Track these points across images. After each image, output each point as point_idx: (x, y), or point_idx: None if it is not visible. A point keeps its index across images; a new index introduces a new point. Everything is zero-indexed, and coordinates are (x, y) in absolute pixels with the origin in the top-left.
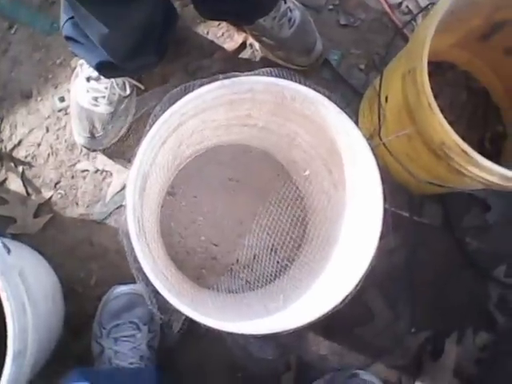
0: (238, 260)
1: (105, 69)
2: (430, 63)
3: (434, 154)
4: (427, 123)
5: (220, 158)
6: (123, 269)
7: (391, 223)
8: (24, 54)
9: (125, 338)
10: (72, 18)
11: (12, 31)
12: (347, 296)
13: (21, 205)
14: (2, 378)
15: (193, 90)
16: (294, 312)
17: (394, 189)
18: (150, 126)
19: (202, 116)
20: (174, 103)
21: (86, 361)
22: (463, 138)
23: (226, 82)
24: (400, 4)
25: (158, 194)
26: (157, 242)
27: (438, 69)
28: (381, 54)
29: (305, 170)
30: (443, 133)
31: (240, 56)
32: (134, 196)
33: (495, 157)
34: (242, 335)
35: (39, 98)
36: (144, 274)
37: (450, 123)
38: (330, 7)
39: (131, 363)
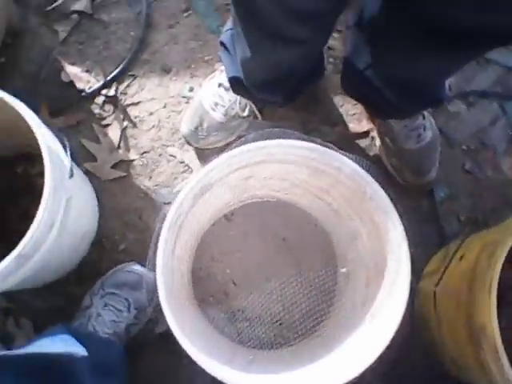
0: (242, 311)
1: (236, 85)
2: None
3: (470, 332)
4: (479, 300)
5: (278, 211)
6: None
7: None
8: (183, 37)
9: (112, 308)
10: (232, 29)
11: (185, 14)
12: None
13: (108, 151)
14: None
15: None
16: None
17: None
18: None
19: (285, 166)
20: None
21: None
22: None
23: (322, 149)
24: None
25: (213, 213)
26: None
27: None
28: (486, 217)
29: (343, 267)
30: (487, 319)
31: (357, 141)
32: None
33: None
34: None
35: (174, 78)
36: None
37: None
38: (464, 148)
39: (105, 333)
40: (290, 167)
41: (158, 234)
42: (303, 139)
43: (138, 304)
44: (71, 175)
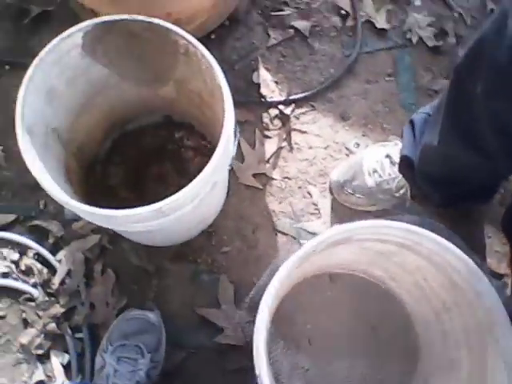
0: (306, 369)
1: (405, 165)
2: None
3: None
4: None
5: (381, 298)
6: (248, 266)
7: None
8: (374, 96)
9: (127, 360)
10: (428, 115)
11: (386, 78)
12: None
13: (257, 159)
14: None
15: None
16: None
17: None
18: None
19: (422, 261)
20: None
21: (157, 275)
22: None
23: (475, 270)
24: None
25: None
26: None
27: None
28: None
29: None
30: None
31: None
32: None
33: None
34: None
35: (346, 128)
36: None
37: None
38: None
39: None
40: (424, 263)
41: (264, 287)
42: (460, 247)
43: (150, 346)
44: (230, 164)
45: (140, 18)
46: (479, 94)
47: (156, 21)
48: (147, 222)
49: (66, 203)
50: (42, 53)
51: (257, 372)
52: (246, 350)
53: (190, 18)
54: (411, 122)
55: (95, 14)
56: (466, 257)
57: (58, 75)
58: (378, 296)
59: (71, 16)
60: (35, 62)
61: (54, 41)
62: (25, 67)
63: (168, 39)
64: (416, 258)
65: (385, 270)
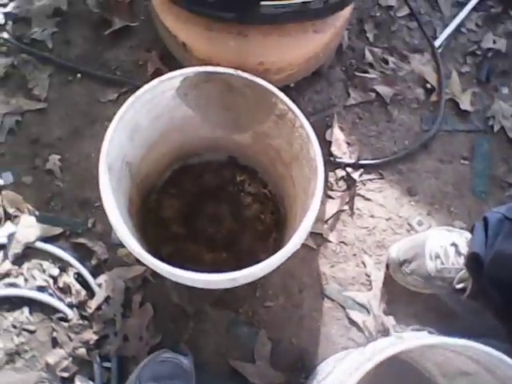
0: None
1: (473, 262)
2: None
3: None
4: None
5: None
6: (290, 326)
7: None
8: (446, 177)
9: None
10: (504, 218)
11: (461, 161)
12: None
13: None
14: None
15: None
16: None
17: None
18: None
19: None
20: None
21: (195, 318)
22: None
23: None
24: None
25: None
26: None
27: None
28: None
29: None
30: None
31: None
32: None
33: None
34: None
35: (412, 203)
36: None
37: None
38: None
39: None
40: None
41: None
42: None
43: None
44: None
45: (245, 75)
46: None
47: (260, 81)
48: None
49: (138, 254)
50: (139, 92)
51: None
52: None
53: (280, 69)
54: (485, 219)
55: (184, 47)
56: None
57: (146, 113)
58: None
59: (152, 36)
60: (130, 100)
61: (153, 82)
62: (96, 78)
63: (267, 99)
64: (480, 369)
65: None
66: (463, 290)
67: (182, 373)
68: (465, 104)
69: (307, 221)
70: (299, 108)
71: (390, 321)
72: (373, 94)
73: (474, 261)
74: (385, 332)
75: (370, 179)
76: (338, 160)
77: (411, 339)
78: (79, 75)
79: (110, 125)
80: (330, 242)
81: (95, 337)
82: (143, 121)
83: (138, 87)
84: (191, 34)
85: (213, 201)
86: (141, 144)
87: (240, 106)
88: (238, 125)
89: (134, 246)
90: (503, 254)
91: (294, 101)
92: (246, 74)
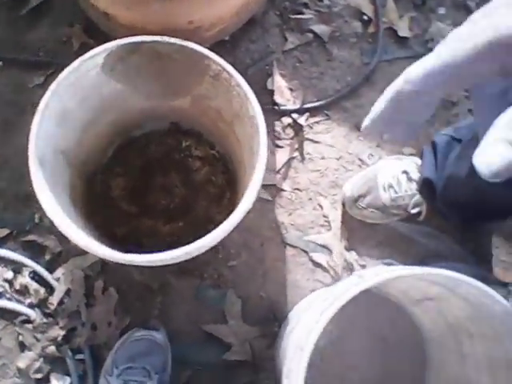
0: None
1: (425, 187)
2: None
3: None
4: None
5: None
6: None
7: None
8: None
9: (133, 382)
10: (452, 139)
11: None
12: None
13: (267, 170)
14: None
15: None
16: None
17: None
18: None
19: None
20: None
21: (162, 292)
22: None
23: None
24: None
25: None
26: None
27: None
28: None
29: None
30: None
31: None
32: None
33: None
34: None
35: (361, 138)
36: None
37: None
38: None
39: None
40: (455, 299)
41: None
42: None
43: (157, 367)
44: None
45: (172, 40)
46: None
47: (189, 45)
48: (170, 260)
49: (85, 246)
50: (60, 77)
51: None
52: (254, 365)
53: (212, 25)
54: (433, 144)
55: (106, 16)
56: (504, 302)
57: (72, 96)
58: (388, 310)
59: (73, 9)
60: (52, 86)
61: (74, 63)
62: (19, 63)
63: (199, 62)
64: (446, 292)
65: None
66: (418, 214)
67: (156, 347)
68: (403, 30)
69: (254, 184)
70: (235, 63)
71: (352, 256)
72: (310, 35)
73: (426, 185)
74: (349, 267)
75: (316, 122)
76: (282, 108)
77: (370, 277)
78: (0, 63)
79: (35, 116)
80: (284, 190)
81: (62, 332)
82: (70, 104)
83: (66, 66)
84: (112, 2)
85: (161, 171)
86: (73, 128)
87: (172, 72)
88: (174, 91)
89: (78, 238)
90: (456, 176)
91: (230, 54)
92: (173, 40)
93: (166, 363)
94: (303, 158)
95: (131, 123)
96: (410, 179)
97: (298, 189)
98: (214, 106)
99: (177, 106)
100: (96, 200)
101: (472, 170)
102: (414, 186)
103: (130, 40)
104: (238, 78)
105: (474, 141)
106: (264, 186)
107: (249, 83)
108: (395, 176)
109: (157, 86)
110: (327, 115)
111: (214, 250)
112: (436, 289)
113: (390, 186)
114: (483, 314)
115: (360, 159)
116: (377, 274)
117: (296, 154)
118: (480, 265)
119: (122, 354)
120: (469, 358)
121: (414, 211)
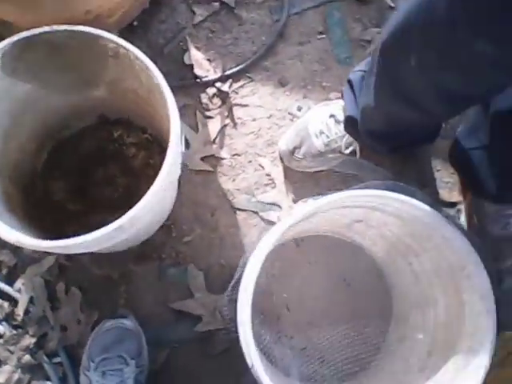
0: (290, 337)
1: (350, 125)
2: None
3: None
4: None
5: (347, 252)
6: (214, 250)
7: None
8: (309, 57)
9: (112, 372)
10: (364, 72)
11: (318, 36)
12: None
13: (202, 143)
14: None
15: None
16: None
17: None
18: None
19: (387, 217)
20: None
21: (123, 280)
22: None
23: (439, 218)
24: None
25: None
26: None
27: None
28: None
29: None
30: None
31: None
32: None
33: None
34: None
35: (287, 93)
36: None
37: None
38: None
39: None
40: (390, 219)
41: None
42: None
43: (133, 353)
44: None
45: (61, 28)
46: (414, 67)
47: (80, 28)
48: (108, 241)
49: (17, 241)
50: None
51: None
52: (227, 331)
53: (111, 10)
54: (349, 82)
55: (3, 23)
56: (430, 209)
57: None
58: (345, 251)
59: None
60: None
61: None
62: None
63: (95, 44)
64: (380, 215)
65: (348, 228)
66: (354, 153)
67: (128, 334)
68: None
69: (171, 149)
70: (150, 46)
71: None
72: (217, 4)
73: (349, 123)
74: None
75: (240, 86)
76: (204, 79)
77: (295, 211)
78: None
79: None
80: (223, 158)
81: (34, 339)
82: None
83: None
84: (4, 8)
85: (99, 165)
86: None
87: (75, 62)
88: (84, 81)
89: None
90: (367, 108)
91: (142, 39)
92: (62, 26)
93: (141, 347)
94: (235, 124)
95: (58, 124)
96: (337, 121)
97: (236, 154)
98: (128, 87)
99: (96, 97)
100: (39, 205)
101: (377, 98)
102: (342, 127)
103: (20, 36)
104: (135, 50)
105: (373, 72)
106: (203, 158)
107: (167, 62)
108: (324, 121)
109: (65, 78)
110: (250, 77)
111: (166, 230)
112: (361, 211)
113: (321, 132)
114: (418, 227)
115: (290, 113)
116: (301, 207)
117: (227, 121)
118: (424, 190)
119: (95, 346)
120: (421, 276)
121: (347, 151)
